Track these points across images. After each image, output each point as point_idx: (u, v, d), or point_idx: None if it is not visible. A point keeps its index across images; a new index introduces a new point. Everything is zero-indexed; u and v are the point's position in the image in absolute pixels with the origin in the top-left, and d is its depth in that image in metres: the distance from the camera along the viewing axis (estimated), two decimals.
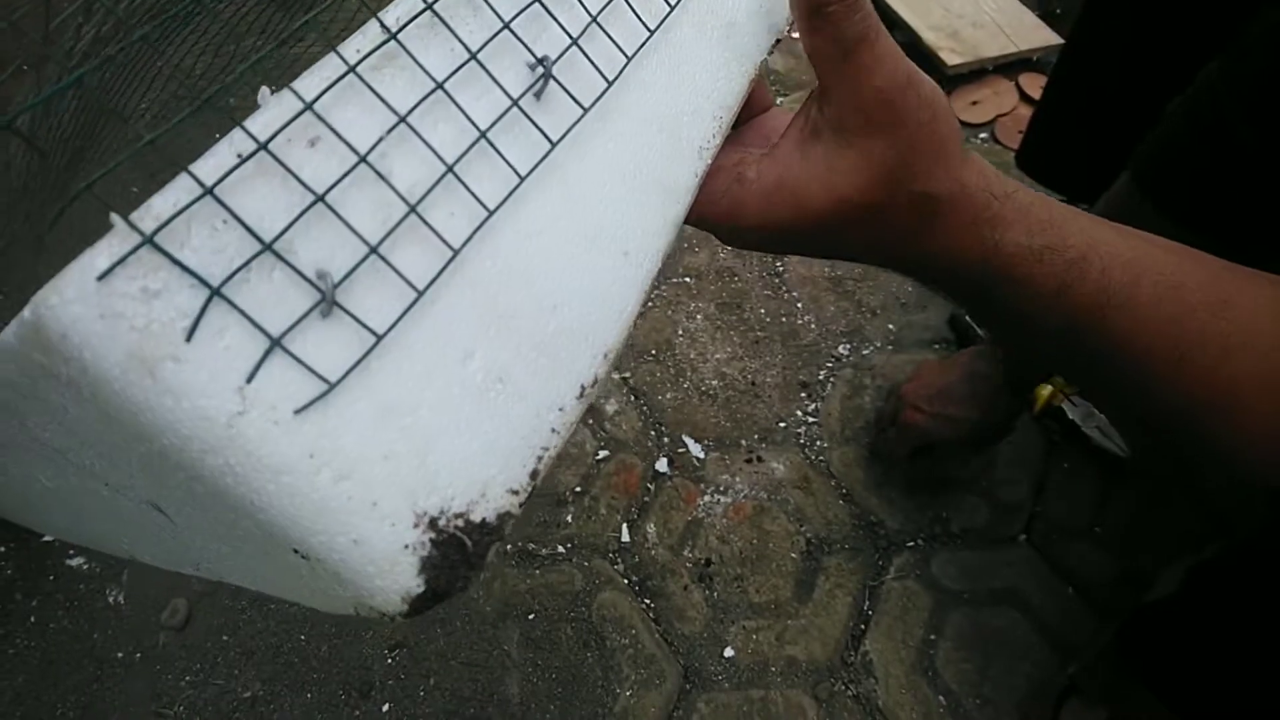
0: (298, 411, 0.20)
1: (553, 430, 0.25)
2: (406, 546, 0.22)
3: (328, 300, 0.21)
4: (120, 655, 0.78)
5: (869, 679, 0.78)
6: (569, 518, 0.87)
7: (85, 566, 0.83)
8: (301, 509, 0.21)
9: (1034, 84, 1.24)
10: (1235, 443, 0.33)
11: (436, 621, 0.81)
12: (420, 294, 0.23)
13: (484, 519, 0.23)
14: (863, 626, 0.81)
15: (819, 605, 0.82)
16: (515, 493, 0.24)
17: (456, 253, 0.23)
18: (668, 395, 0.96)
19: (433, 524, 0.22)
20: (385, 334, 0.22)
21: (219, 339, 0.20)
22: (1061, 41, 1.25)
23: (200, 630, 0.80)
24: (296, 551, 0.22)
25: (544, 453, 0.25)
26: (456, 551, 0.22)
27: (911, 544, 0.86)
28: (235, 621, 0.81)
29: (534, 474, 0.24)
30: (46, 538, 0.83)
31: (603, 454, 0.91)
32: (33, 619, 0.80)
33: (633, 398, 0.95)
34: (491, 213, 0.24)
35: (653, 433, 0.93)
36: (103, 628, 0.80)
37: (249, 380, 0.20)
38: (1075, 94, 0.87)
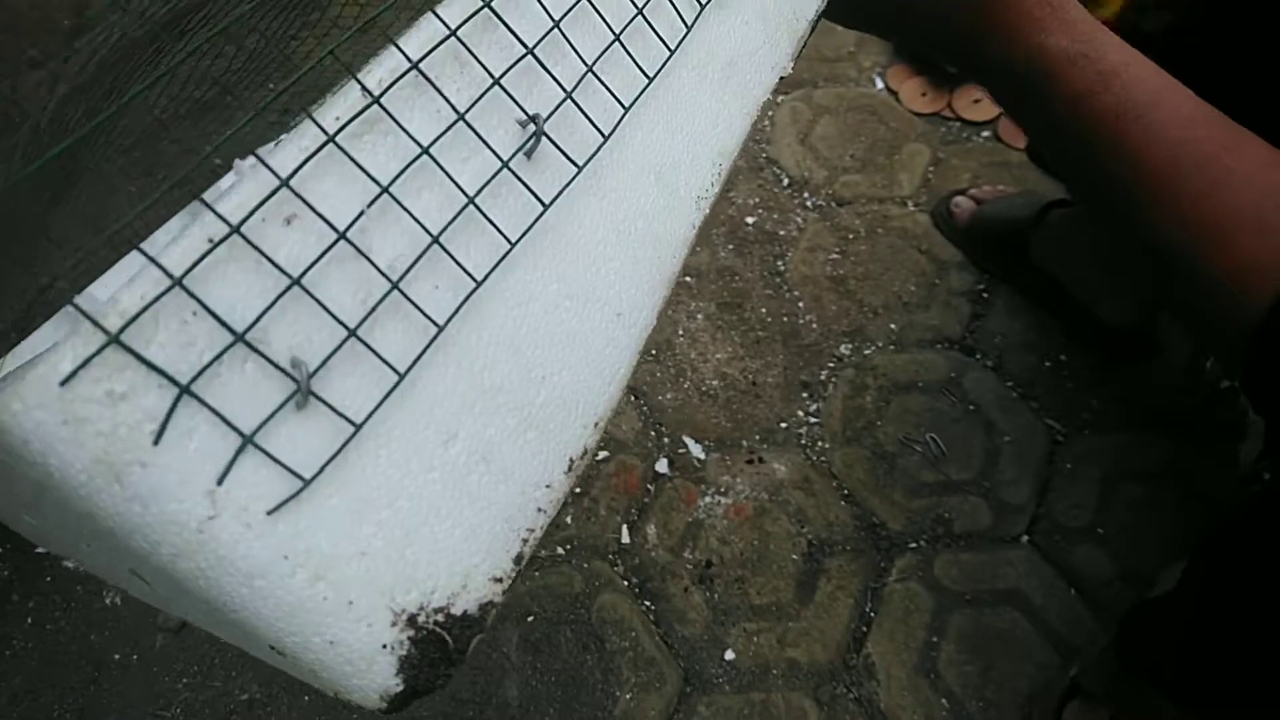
0: (270, 512, 0.19)
1: (539, 510, 0.24)
2: (384, 646, 0.21)
3: (302, 391, 0.20)
4: (118, 657, 0.78)
5: (871, 681, 0.78)
6: (568, 519, 0.86)
7: (82, 568, 0.82)
8: (275, 612, 0.20)
9: None
10: (1220, 273, 0.36)
11: None
12: (401, 377, 0.21)
13: (465, 611, 0.22)
14: (864, 628, 0.81)
15: (820, 607, 0.82)
16: (499, 580, 0.23)
17: (441, 329, 0.22)
18: (668, 395, 0.95)
19: (411, 621, 0.21)
20: (363, 424, 0.21)
21: (188, 440, 0.19)
22: None
23: (197, 632, 0.80)
24: (273, 648, 0.21)
25: (529, 535, 0.24)
26: (436, 649, 0.21)
27: (913, 545, 0.85)
28: None
29: (518, 558, 0.23)
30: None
31: (602, 455, 0.90)
32: (30, 620, 0.80)
33: (633, 398, 0.94)
34: (479, 284, 0.23)
35: (653, 433, 0.92)
36: (100, 629, 0.80)
37: (220, 482, 0.19)
38: None
